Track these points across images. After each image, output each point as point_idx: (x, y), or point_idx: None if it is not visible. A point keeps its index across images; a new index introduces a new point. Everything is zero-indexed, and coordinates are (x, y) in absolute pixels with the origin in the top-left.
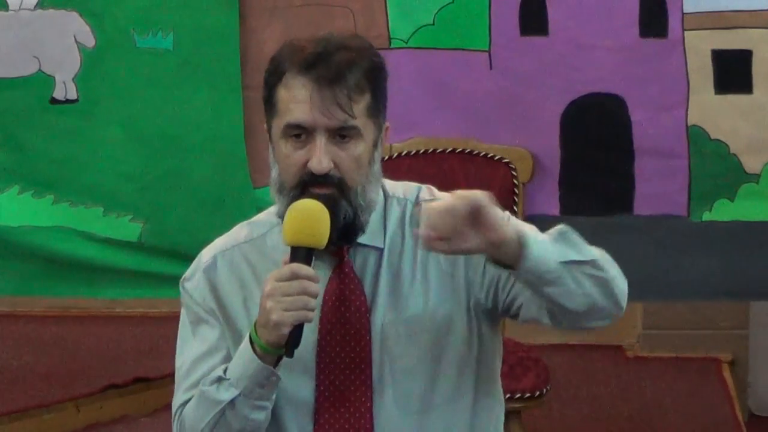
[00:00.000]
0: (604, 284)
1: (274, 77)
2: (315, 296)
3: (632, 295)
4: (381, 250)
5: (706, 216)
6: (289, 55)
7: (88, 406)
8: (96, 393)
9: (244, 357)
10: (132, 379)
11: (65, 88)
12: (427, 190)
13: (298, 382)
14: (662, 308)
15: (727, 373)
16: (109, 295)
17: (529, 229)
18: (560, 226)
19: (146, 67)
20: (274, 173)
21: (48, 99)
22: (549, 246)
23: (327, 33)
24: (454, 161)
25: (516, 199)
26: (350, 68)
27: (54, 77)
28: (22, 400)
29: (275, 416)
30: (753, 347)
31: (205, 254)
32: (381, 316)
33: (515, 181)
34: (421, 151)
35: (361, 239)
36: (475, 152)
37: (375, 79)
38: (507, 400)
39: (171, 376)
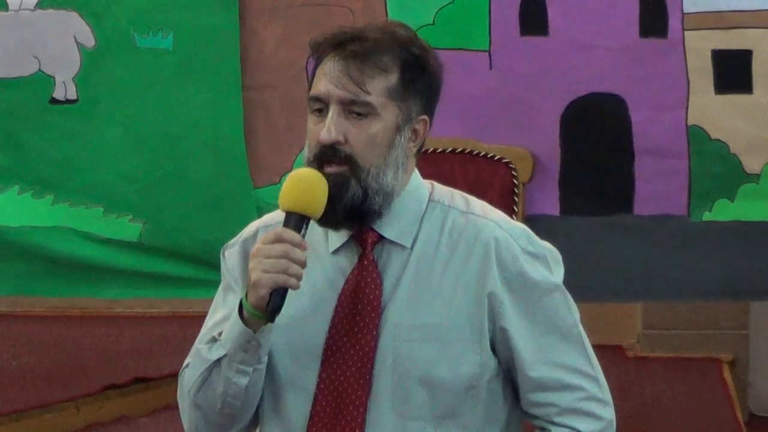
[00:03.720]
0: None
1: (315, 58)
2: (299, 263)
3: (632, 295)
4: (408, 250)
5: (706, 216)
6: (329, 37)
7: (88, 406)
8: (96, 393)
9: (232, 319)
10: (132, 379)
11: (65, 88)
12: (466, 201)
13: (304, 367)
14: (662, 308)
15: (727, 373)
16: (109, 295)
17: None
18: None
19: (146, 67)
20: (305, 149)
21: (48, 99)
22: None
23: (379, 23)
24: (454, 161)
25: (516, 199)
26: (376, 48)
27: (54, 77)
28: (22, 400)
29: (279, 398)
30: (753, 347)
31: (253, 225)
32: (395, 315)
33: (515, 181)
34: (421, 151)
35: (389, 235)
36: (475, 152)
37: (407, 66)
38: None
39: (171, 376)
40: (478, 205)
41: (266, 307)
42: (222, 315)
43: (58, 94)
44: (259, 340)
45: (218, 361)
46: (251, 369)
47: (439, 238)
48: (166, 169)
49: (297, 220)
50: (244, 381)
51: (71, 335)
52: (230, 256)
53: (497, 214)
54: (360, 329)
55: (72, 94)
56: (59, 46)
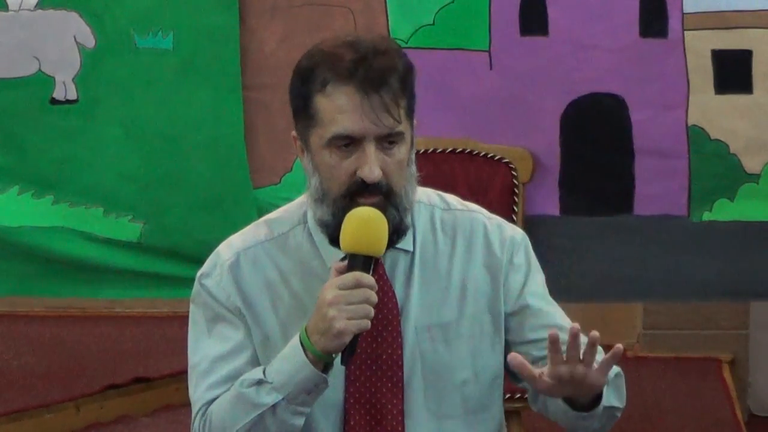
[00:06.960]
0: (611, 422)
1: (309, 86)
2: (374, 305)
3: (632, 295)
4: (410, 253)
5: (706, 216)
6: (326, 63)
7: (88, 406)
8: (96, 393)
9: (292, 362)
10: (132, 379)
11: (65, 88)
12: (441, 198)
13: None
14: (662, 308)
15: (727, 373)
16: (109, 295)
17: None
18: (618, 369)
19: (146, 67)
20: (314, 182)
21: (48, 99)
22: (605, 390)
23: (352, 36)
24: (454, 161)
25: (516, 199)
26: (391, 72)
27: (54, 77)
28: (22, 400)
29: (306, 419)
30: (753, 347)
31: (225, 252)
32: (414, 319)
33: (515, 181)
34: (421, 151)
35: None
36: (475, 152)
37: (410, 80)
38: (507, 400)
39: (171, 376)
40: (453, 199)
41: (343, 352)
42: (227, 348)
43: (58, 94)
44: (328, 382)
45: (273, 405)
46: (309, 409)
47: (434, 237)
48: (166, 169)
49: (364, 261)
50: (300, 421)
51: (71, 335)
52: (216, 285)
53: (475, 205)
54: (383, 338)
55: (72, 94)
56: (59, 46)
